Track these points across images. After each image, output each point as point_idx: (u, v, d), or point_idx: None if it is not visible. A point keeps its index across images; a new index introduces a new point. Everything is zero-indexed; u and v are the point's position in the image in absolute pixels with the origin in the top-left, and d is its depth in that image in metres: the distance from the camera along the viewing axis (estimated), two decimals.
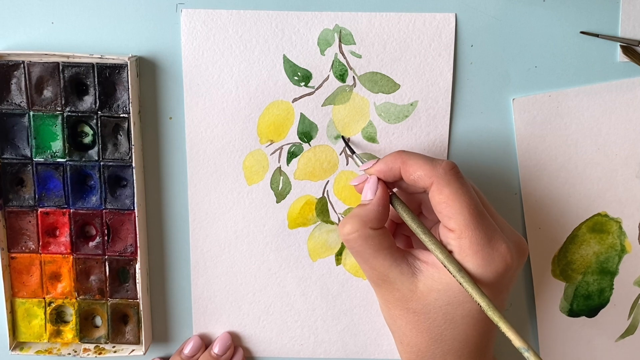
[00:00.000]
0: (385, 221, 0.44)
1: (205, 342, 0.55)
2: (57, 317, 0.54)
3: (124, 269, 0.52)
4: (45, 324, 0.53)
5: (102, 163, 0.50)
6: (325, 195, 0.52)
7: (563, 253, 0.53)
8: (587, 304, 0.54)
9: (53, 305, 0.53)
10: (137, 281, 0.52)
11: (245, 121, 0.51)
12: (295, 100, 0.50)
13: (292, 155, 0.52)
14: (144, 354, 0.53)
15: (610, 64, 0.50)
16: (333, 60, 0.50)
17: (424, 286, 0.42)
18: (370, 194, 0.44)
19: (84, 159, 0.50)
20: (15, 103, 0.49)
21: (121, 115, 0.49)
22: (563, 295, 0.54)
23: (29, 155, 0.50)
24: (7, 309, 0.53)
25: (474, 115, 0.51)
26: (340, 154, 0.52)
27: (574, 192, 0.52)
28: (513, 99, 0.51)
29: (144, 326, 0.53)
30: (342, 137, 0.50)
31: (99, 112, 0.49)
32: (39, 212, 0.51)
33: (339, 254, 0.54)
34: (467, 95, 0.51)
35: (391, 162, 0.43)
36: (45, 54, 0.48)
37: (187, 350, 0.53)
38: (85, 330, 0.53)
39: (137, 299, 0.52)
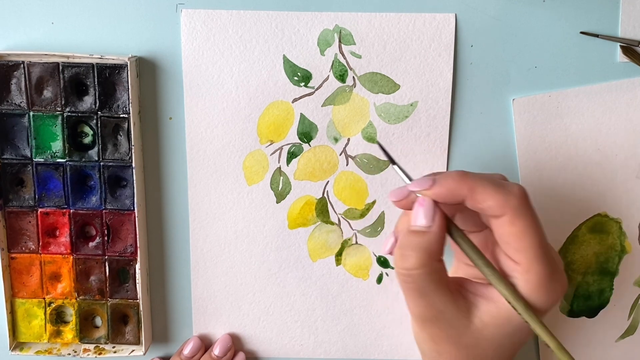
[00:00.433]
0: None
1: (205, 343, 0.55)
2: (57, 318, 0.54)
3: (124, 269, 0.52)
4: (45, 324, 0.53)
5: (102, 163, 0.50)
6: (325, 195, 0.52)
7: (563, 253, 0.53)
8: (587, 304, 0.54)
9: (53, 305, 0.53)
10: (137, 281, 0.52)
11: (245, 121, 0.51)
12: (295, 100, 0.50)
13: (292, 155, 0.52)
14: (144, 354, 0.53)
15: (610, 64, 0.50)
16: (333, 61, 0.50)
17: (479, 322, 0.39)
18: (426, 220, 0.39)
19: (84, 159, 0.50)
20: (15, 103, 0.49)
21: (121, 115, 0.49)
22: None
23: (29, 155, 0.50)
24: (7, 309, 0.53)
25: (474, 115, 0.51)
26: (340, 154, 0.52)
27: (574, 192, 0.52)
28: (513, 99, 0.51)
29: (144, 326, 0.53)
30: (379, 143, 0.46)
31: (99, 113, 0.49)
32: (39, 212, 0.51)
33: (338, 255, 0.54)
34: (467, 95, 0.51)
35: (455, 187, 0.38)
36: (45, 54, 0.48)
37: (187, 351, 0.53)
38: (85, 330, 0.53)
39: (137, 299, 0.52)
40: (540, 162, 0.52)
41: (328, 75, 0.50)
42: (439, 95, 0.50)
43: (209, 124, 0.51)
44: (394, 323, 0.55)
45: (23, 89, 0.49)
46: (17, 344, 0.54)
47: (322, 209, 0.53)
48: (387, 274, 0.54)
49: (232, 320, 0.55)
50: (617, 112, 0.51)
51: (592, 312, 0.54)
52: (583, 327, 0.55)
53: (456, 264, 0.48)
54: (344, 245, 0.53)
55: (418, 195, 0.40)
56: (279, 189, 0.52)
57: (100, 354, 0.53)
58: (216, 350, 0.53)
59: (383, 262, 0.54)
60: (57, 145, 0.50)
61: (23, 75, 0.49)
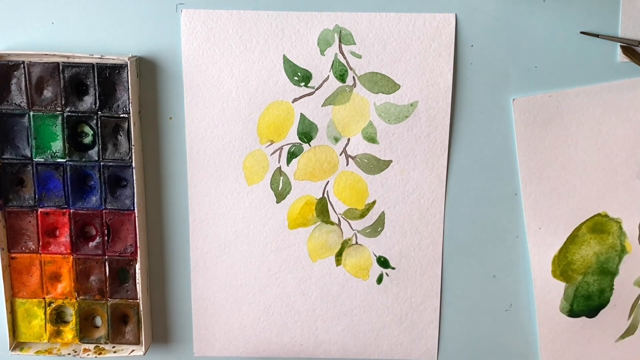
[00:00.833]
0: None
1: (205, 344, 0.55)
2: (57, 317, 0.54)
3: (124, 269, 0.52)
4: (45, 324, 0.53)
5: (102, 163, 0.50)
6: (325, 195, 0.52)
7: (563, 253, 0.53)
8: (587, 304, 0.54)
9: (53, 305, 0.53)
10: (137, 281, 0.52)
11: (245, 121, 0.51)
12: (295, 100, 0.50)
13: (292, 155, 0.52)
14: (144, 354, 0.53)
15: (610, 64, 0.50)
16: (333, 61, 0.50)
17: None
18: None
19: (84, 159, 0.50)
20: (15, 103, 0.49)
21: (121, 115, 0.49)
22: (563, 295, 0.54)
23: (29, 155, 0.50)
24: (7, 309, 0.53)
25: (474, 115, 0.51)
26: (341, 154, 0.52)
27: (574, 192, 0.52)
28: (513, 99, 0.50)
29: (144, 326, 0.53)
30: None
31: (99, 112, 0.49)
32: (39, 212, 0.51)
33: (339, 255, 0.54)
34: (467, 95, 0.51)
35: None
36: (45, 54, 0.48)
37: None
38: (85, 330, 0.53)
39: (137, 299, 0.52)
40: (540, 162, 0.51)
41: (328, 75, 0.50)
42: (439, 95, 0.50)
43: (209, 124, 0.51)
44: (394, 323, 0.55)
45: (23, 88, 0.49)
46: (17, 343, 0.54)
47: (322, 209, 0.53)
48: (387, 274, 0.54)
49: (232, 320, 0.55)
50: (617, 112, 0.51)
51: (592, 312, 0.54)
52: (583, 327, 0.55)
53: None
54: (344, 245, 0.53)
55: None
56: (279, 189, 0.52)
57: (100, 353, 0.53)
58: None
59: (383, 262, 0.54)
60: (57, 145, 0.50)
61: (23, 75, 0.49)
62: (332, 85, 0.50)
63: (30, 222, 0.52)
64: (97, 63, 0.48)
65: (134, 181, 0.50)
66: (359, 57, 0.50)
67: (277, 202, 0.52)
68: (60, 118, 0.50)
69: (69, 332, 0.53)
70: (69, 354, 0.53)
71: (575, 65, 0.50)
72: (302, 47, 0.49)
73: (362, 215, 0.53)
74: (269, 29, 0.49)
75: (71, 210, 0.51)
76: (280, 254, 0.53)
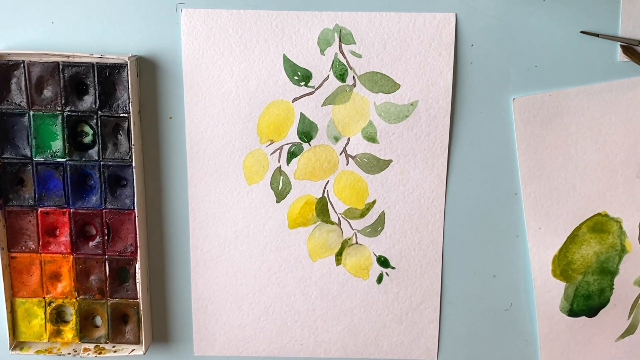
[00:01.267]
0: None
1: (205, 344, 0.55)
2: (57, 317, 0.54)
3: (124, 268, 0.52)
4: (45, 323, 0.53)
5: (102, 163, 0.50)
6: (325, 195, 0.52)
7: (563, 253, 0.53)
8: (587, 303, 0.54)
9: (53, 305, 0.53)
10: (137, 281, 0.52)
11: (245, 121, 0.51)
12: (295, 100, 0.50)
13: (292, 155, 0.52)
14: (144, 353, 0.53)
15: (610, 64, 0.50)
16: (333, 60, 0.50)
17: None
18: None
19: (84, 159, 0.50)
20: (15, 103, 0.49)
21: (121, 115, 0.49)
22: (563, 295, 0.54)
23: (29, 155, 0.50)
24: (7, 308, 0.53)
25: (474, 115, 0.51)
26: (341, 154, 0.52)
27: (574, 192, 0.52)
28: (513, 99, 0.50)
29: (144, 326, 0.53)
30: None
31: (99, 112, 0.49)
32: (39, 211, 0.51)
33: (339, 254, 0.54)
34: (467, 94, 0.51)
35: None
36: (45, 54, 0.48)
37: None
38: (85, 330, 0.53)
39: (137, 298, 0.52)
40: (540, 162, 0.52)
41: (328, 75, 0.50)
42: (439, 95, 0.50)
43: (209, 123, 0.51)
44: (394, 322, 0.55)
45: (23, 88, 0.49)
46: (17, 343, 0.54)
47: (322, 208, 0.53)
48: (387, 274, 0.54)
49: (232, 320, 0.55)
50: (617, 112, 0.51)
51: (592, 312, 0.54)
52: (583, 327, 0.55)
53: None
54: (344, 245, 0.53)
55: None
56: (279, 188, 0.52)
57: (100, 353, 0.53)
58: None
59: (383, 262, 0.54)
60: (57, 145, 0.50)
61: (23, 75, 0.49)
62: (332, 85, 0.50)
63: (30, 221, 0.52)
64: (97, 62, 0.48)
65: (134, 181, 0.50)
66: (359, 56, 0.50)
67: (277, 202, 0.52)
68: (60, 117, 0.50)
69: (69, 331, 0.53)
70: (69, 353, 0.53)
71: (575, 64, 0.50)
72: (302, 46, 0.50)
73: (362, 214, 0.53)
74: (269, 29, 0.49)
75: (71, 210, 0.51)
76: (280, 253, 0.53)
